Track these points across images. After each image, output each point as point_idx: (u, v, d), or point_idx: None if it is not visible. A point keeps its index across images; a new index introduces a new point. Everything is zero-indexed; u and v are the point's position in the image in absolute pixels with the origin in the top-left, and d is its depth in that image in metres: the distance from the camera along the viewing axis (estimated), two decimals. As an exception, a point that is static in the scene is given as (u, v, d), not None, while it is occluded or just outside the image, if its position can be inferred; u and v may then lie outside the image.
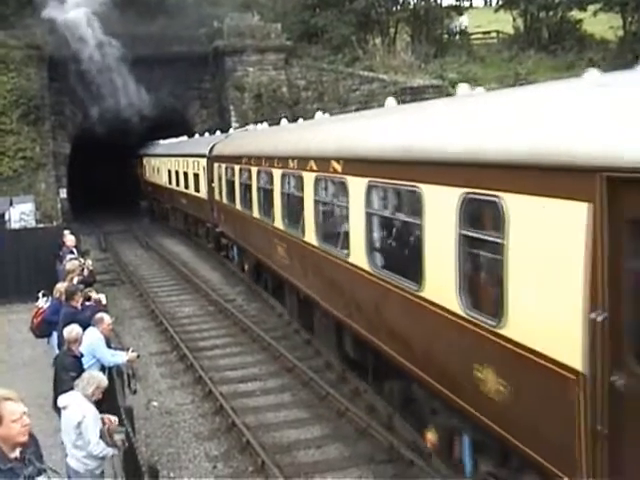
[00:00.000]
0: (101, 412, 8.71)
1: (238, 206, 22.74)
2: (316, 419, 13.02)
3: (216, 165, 26.97)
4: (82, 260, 17.47)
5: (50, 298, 13.88)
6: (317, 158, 13.72)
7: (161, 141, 43.95)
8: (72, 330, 10.22)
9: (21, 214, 27.25)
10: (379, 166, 10.61)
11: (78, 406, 8.43)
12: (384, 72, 36.99)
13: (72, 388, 9.08)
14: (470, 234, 8.00)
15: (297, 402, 13.92)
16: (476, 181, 7.72)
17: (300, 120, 24.60)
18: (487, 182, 7.48)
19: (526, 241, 6.90)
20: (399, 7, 47.65)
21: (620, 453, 5.89)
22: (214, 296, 22.72)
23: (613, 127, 5.93)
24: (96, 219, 44.98)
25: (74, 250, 19.65)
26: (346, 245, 12.23)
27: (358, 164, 11.47)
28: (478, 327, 7.79)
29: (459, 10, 49.15)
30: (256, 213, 19.98)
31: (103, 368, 11.15)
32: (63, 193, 37.40)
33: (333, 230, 13.38)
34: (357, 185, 11.43)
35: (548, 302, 6.62)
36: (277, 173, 16.97)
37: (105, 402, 9.16)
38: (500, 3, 48.78)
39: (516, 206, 6.96)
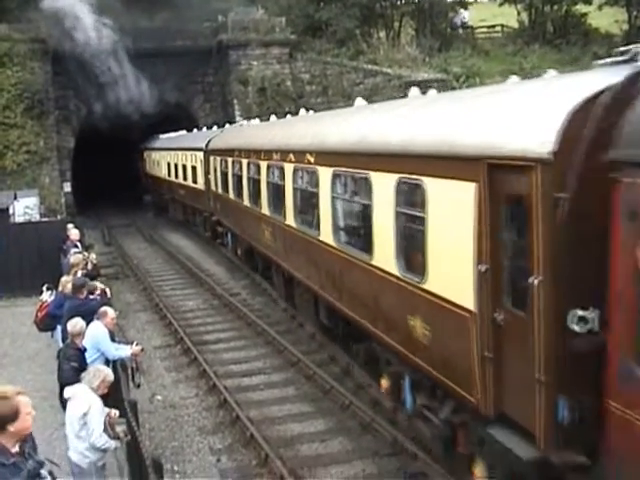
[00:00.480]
0: (106, 406, 8.73)
1: (231, 195, 24.42)
2: (320, 413, 13.04)
3: (212, 158, 28.58)
4: (86, 254, 17.48)
5: (54, 292, 13.90)
6: (295, 151, 15.62)
7: (161, 135, 44.32)
8: (76, 324, 10.25)
9: (25, 208, 27.21)
10: (341, 157, 12.64)
11: (84, 397, 8.46)
12: (388, 66, 36.98)
13: (72, 378, 9.13)
14: (403, 211, 10.04)
15: (301, 396, 13.93)
16: (406, 168, 9.75)
17: (289, 115, 25.88)
18: (413, 169, 9.51)
19: (439, 214, 8.89)
20: (403, 1, 47.59)
21: (501, 371, 7.79)
22: (218, 290, 22.73)
23: (493, 127, 7.96)
24: (100, 213, 45.07)
25: (78, 244, 19.67)
26: (317, 226, 14.12)
27: (326, 156, 13.47)
28: (410, 285, 9.75)
29: (463, 4, 48.97)
30: (246, 201, 21.72)
31: (107, 362, 11.18)
32: (67, 187, 37.37)
33: (308, 213, 15.26)
34: (325, 174, 13.48)
35: (452, 260, 8.53)
36: (263, 165, 18.86)
37: (109, 396, 9.17)
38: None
39: (432, 187, 8.97)
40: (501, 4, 47.11)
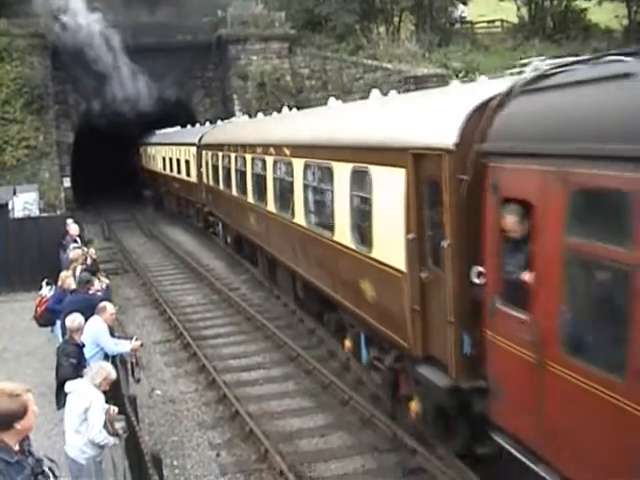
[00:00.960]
0: (106, 402, 8.73)
1: (221, 187, 26.29)
2: (319, 408, 13.06)
3: (204, 152, 30.22)
4: (85, 249, 17.48)
5: (54, 287, 13.91)
6: (275, 145, 17.63)
7: (156, 131, 44.85)
8: (74, 319, 10.23)
9: (25, 203, 27.21)
10: (311, 150, 14.57)
11: (86, 392, 8.46)
12: (388, 61, 36.92)
13: (72, 374, 9.13)
14: (355, 193, 11.99)
15: (300, 391, 13.95)
16: (358, 158, 11.73)
17: (284, 110, 27.30)
18: (363, 159, 11.50)
19: (380, 195, 10.83)
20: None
21: (426, 319, 9.63)
22: (218, 285, 22.74)
23: (417, 125, 10.10)
24: (100, 208, 45.05)
25: (78, 239, 19.69)
26: (292, 210, 16.02)
27: (299, 149, 15.48)
28: (361, 255, 11.71)
29: (463, -1, 48.92)
30: (235, 192, 23.58)
31: (107, 357, 11.19)
32: (67, 182, 37.36)
33: (285, 199, 17.00)
34: (298, 164, 15.44)
35: (390, 232, 10.41)
36: (249, 158, 20.91)
37: (109, 391, 9.17)
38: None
39: (375, 173, 10.98)
40: (501, -1, 47.07)
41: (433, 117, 9.79)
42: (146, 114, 38.90)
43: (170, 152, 39.05)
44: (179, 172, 36.74)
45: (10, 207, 26.25)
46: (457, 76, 34.62)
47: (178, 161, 36.87)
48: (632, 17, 40.63)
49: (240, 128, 26.12)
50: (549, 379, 6.86)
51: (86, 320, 10.65)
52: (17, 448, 5.26)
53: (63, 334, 11.37)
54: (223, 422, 12.77)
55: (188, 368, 15.65)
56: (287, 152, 16.33)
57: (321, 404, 13.21)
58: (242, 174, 22.02)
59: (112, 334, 11.71)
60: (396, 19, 45.70)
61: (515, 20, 46.77)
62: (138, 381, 12.37)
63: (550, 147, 6.85)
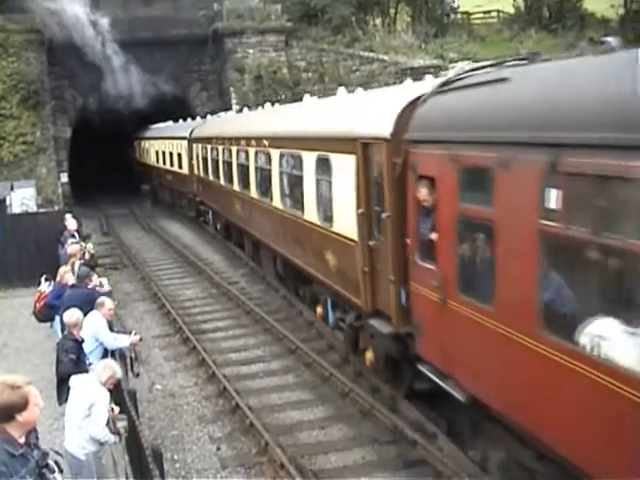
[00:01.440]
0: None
1: (211, 177, 28.33)
2: (320, 400, 13.07)
3: (195, 145, 32.16)
4: (83, 244, 17.48)
5: (52, 282, 13.90)
6: (256, 137, 19.88)
7: (150, 126, 45.43)
8: (72, 314, 10.21)
9: (22, 199, 27.22)
10: (285, 141, 16.82)
11: (92, 388, 8.46)
12: (384, 52, 36.84)
13: (71, 370, 9.13)
14: (320, 178, 14.08)
15: (300, 383, 13.97)
16: (321, 148, 13.79)
17: (276, 105, 28.03)
18: (326, 148, 13.54)
19: (337, 178, 12.97)
20: (399, -13, 47.36)
21: (373, 279, 11.67)
22: (217, 279, 22.75)
23: (364, 119, 12.07)
24: (98, 203, 45.03)
25: (75, 234, 19.67)
26: (271, 195, 18.21)
27: (276, 140, 17.67)
28: (325, 230, 13.87)
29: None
30: (222, 181, 25.72)
31: (106, 352, 11.19)
32: (64, 177, 37.37)
33: (266, 186, 18.93)
34: (275, 154, 17.65)
35: (345, 209, 12.51)
36: (234, 149, 23.13)
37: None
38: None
39: (334, 159, 13.08)
40: (497, -11, 46.85)
41: (376, 112, 11.89)
42: (143, 108, 38.87)
43: (163, 146, 40.89)
44: (172, 165, 38.48)
45: (8, 203, 26.18)
46: (454, 67, 34.58)
47: (171, 154, 38.63)
48: (628, 6, 40.48)
49: (227, 122, 28.44)
50: (449, 314, 8.86)
51: (85, 315, 10.64)
52: (23, 441, 5.27)
53: (62, 329, 11.35)
54: (223, 416, 12.78)
55: (188, 362, 15.66)
56: (266, 143, 18.52)
57: (321, 396, 13.22)
58: (229, 165, 24.28)
59: (111, 329, 11.72)
60: (392, 11, 45.62)
61: (511, 10, 46.63)
62: (137, 375, 12.39)
63: (446, 135, 8.87)
